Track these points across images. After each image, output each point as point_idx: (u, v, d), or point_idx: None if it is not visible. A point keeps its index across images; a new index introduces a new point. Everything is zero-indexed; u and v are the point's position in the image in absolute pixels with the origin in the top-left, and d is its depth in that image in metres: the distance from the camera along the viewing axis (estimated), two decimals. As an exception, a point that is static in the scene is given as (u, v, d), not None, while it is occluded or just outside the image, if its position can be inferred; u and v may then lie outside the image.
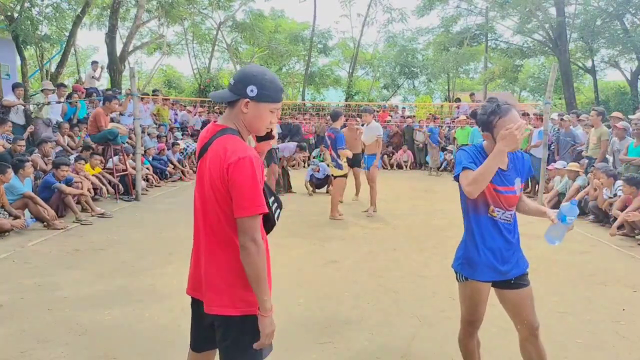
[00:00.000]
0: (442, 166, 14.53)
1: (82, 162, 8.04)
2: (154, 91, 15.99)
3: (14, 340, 3.26)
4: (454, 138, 14.28)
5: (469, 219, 2.46)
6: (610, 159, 8.22)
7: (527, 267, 2.48)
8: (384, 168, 13.91)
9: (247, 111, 1.84)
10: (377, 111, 16.66)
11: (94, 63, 14.03)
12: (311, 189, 9.94)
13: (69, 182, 7.12)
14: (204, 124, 14.01)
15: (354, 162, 8.13)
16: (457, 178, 2.35)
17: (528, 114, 11.90)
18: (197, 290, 1.92)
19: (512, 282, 2.40)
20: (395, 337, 3.41)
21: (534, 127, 10.04)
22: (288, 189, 10.10)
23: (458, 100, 17.79)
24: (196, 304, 1.97)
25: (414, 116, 17.53)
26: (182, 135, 13.34)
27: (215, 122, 1.93)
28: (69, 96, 10.50)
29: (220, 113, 15.58)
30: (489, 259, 2.37)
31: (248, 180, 1.73)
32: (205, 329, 1.94)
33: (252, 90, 1.81)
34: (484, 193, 2.34)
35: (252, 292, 1.80)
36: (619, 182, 6.81)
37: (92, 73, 13.66)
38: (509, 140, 2.16)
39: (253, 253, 1.73)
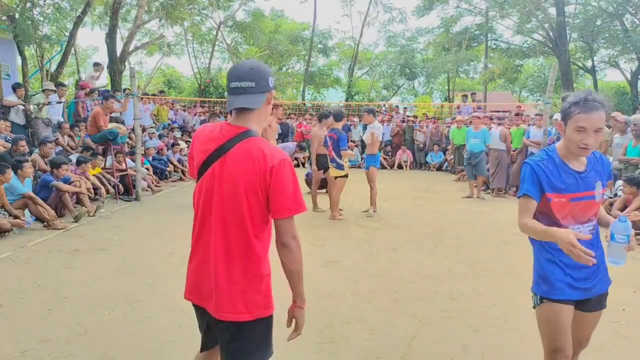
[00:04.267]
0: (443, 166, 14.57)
1: (89, 164, 8.06)
2: (160, 92, 16.28)
3: (14, 340, 3.26)
4: (448, 137, 14.30)
5: None
6: (610, 158, 8.23)
7: (609, 284, 2.25)
8: (382, 167, 13.90)
9: (271, 102, 1.88)
10: (378, 111, 16.67)
11: (97, 64, 14.02)
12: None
13: (66, 182, 7.12)
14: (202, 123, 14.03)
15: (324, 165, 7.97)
16: (520, 197, 2.16)
17: (520, 114, 11.92)
18: (204, 299, 1.87)
19: (593, 302, 2.17)
20: (395, 337, 3.41)
21: (537, 127, 10.07)
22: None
23: (465, 98, 17.68)
24: (199, 309, 1.95)
25: (415, 116, 17.55)
26: (182, 134, 13.35)
27: (227, 122, 1.87)
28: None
29: (221, 113, 15.59)
30: (567, 274, 2.11)
31: (291, 181, 1.78)
32: (210, 330, 1.94)
33: (272, 81, 1.86)
34: (553, 210, 2.10)
35: (263, 296, 1.84)
36: (619, 182, 6.82)
37: (94, 74, 13.66)
38: (564, 248, 1.92)
39: (295, 250, 1.82)
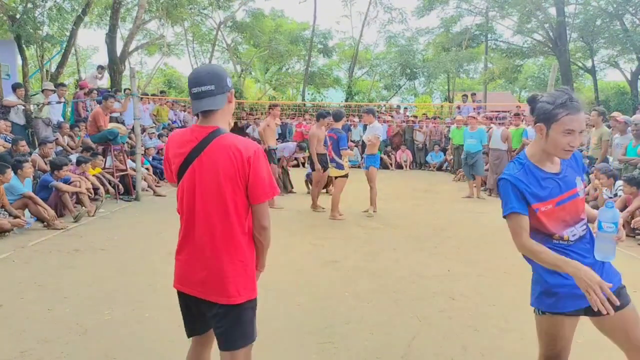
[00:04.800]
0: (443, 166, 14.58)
1: (89, 164, 8.05)
2: (161, 92, 16.26)
3: (14, 340, 3.26)
4: (449, 138, 14.27)
5: None
6: (610, 158, 8.24)
7: (621, 278, 2.11)
8: (383, 167, 13.90)
9: (232, 100, 2.02)
10: (378, 111, 16.66)
11: (101, 67, 14.01)
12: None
13: (66, 182, 7.12)
14: None
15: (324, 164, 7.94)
16: (505, 217, 2.03)
17: (519, 114, 11.94)
18: (195, 287, 2.01)
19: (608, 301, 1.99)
20: (395, 337, 3.41)
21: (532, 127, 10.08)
22: (289, 189, 10.10)
23: (465, 98, 17.70)
24: (187, 297, 2.07)
25: (415, 116, 17.56)
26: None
27: (197, 125, 1.99)
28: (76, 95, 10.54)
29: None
30: (573, 284, 1.93)
31: (265, 168, 1.94)
32: (198, 316, 2.09)
33: (229, 81, 2.00)
34: (542, 221, 1.99)
35: (250, 280, 2.00)
36: (619, 182, 6.82)
37: (96, 74, 13.65)
38: (580, 283, 1.83)
39: (269, 231, 2.00)
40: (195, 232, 1.98)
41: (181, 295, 2.10)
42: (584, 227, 2.07)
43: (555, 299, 2.00)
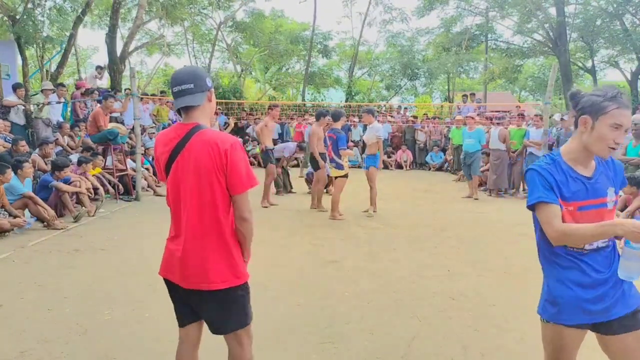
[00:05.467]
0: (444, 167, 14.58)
1: (90, 164, 8.04)
2: (161, 92, 16.32)
3: (14, 340, 3.26)
4: (449, 138, 14.26)
5: (545, 252, 1.99)
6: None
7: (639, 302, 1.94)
8: (384, 168, 13.90)
9: (212, 99, 2.13)
10: (378, 111, 16.66)
11: (99, 68, 14.01)
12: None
13: (66, 182, 7.12)
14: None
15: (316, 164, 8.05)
16: (530, 208, 1.93)
17: (522, 115, 11.94)
18: (178, 275, 2.06)
19: (616, 323, 1.90)
20: (395, 337, 3.41)
21: (536, 128, 10.07)
22: (289, 189, 10.10)
23: (465, 98, 17.68)
24: (171, 284, 2.13)
25: (416, 116, 17.56)
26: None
27: (179, 123, 2.11)
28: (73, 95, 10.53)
29: (222, 113, 15.65)
30: (577, 296, 1.87)
31: (243, 160, 2.02)
32: (182, 304, 2.17)
33: (209, 81, 2.11)
34: (564, 219, 1.87)
35: (234, 267, 2.04)
36: (619, 182, 6.82)
37: (96, 74, 13.64)
38: (634, 237, 1.70)
39: (251, 222, 2.05)
40: (181, 223, 2.06)
41: (166, 283, 2.17)
42: (607, 241, 1.94)
43: (557, 309, 1.94)
